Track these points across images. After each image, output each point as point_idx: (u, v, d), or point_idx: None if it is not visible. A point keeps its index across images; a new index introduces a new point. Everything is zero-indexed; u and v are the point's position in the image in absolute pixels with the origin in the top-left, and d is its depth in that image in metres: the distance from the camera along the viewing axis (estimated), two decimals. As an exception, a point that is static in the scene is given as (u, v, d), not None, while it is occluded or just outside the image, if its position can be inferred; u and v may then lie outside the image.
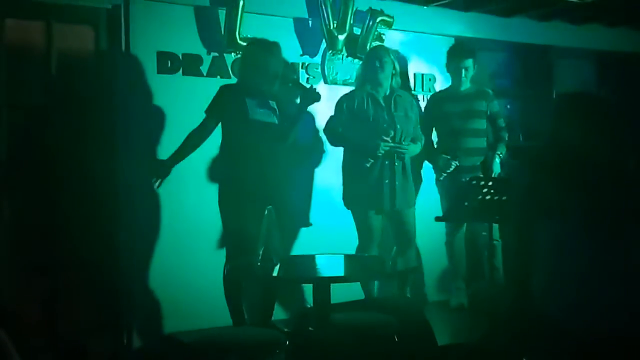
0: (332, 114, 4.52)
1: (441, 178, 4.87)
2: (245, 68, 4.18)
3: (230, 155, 4.07)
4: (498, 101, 5.08)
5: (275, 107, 4.14)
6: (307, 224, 4.85)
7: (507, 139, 5.02)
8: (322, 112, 4.78)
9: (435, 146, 4.99)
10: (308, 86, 4.32)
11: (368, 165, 4.31)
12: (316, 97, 4.15)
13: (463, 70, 4.84)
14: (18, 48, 4.12)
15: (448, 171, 4.79)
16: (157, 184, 4.07)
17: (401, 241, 4.51)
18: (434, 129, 5.00)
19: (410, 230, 4.53)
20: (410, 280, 4.61)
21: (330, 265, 3.61)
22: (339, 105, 4.50)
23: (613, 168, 2.44)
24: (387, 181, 4.35)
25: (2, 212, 4.05)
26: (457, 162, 4.79)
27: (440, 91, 5.11)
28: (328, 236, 4.75)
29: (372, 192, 4.36)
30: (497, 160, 4.90)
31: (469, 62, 4.84)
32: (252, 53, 4.17)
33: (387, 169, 4.35)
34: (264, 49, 4.12)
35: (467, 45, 4.96)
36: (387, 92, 4.46)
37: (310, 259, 3.70)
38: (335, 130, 4.45)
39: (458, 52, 4.90)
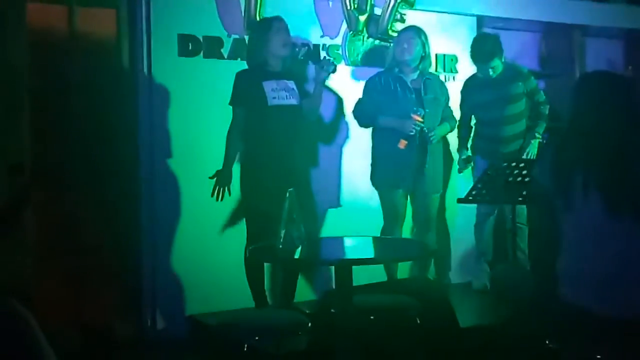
0: (360, 96, 4.48)
1: (460, 173, 4.90)
2: (252, 50, 4.13)
3: (251, 140, 4.05)
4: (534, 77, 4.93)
5: (294, 86, 4.09)
6: (337, 204, 4.85)
7: (547, 112, 4.87)
8: (344, 92, 4.78)
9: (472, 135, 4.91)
10: (322, 57, 4.25)
11: (402, 147, 4.20)
12: (331, 68, 4.08)
13: (491, 70, 4.67)
14: (40, 32, 4.13)
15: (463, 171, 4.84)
16: (227, 192, 4.02)
17: (421, 224, 4.49)
18: (472, 116, 4.90)
19: (432, 215, 4.50)
20: (430, 263, 4.58)
21: (352, 247, 3.61)
22: (367, 86, 4.45)
23: (636, 149, 2.40)
24: (415, 163, 4.31)
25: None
26: (471, 164, 4.83)
27: (473, 76, 4.92)
28: (356, 218, 4.76)
29: (399, 173, 4.32)
30: (535, 142, 4.78)
31: (496, 62, 4.65)
32: (255, 34, 4.12)
33: (416, 151, 4.31)
34: (265, 27, 4.05)
35: (489, 44, 4.67)
36: (416, 75, 4.39)
37: (333, 240, 3.70)
38: (366, 110, 4.39)
39: (482, 55, 4.66)
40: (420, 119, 4.21)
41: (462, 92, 4.92)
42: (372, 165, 4.47)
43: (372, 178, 4.47)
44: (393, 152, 4.24)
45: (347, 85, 4.83)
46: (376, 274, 4.20)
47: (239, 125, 4.03)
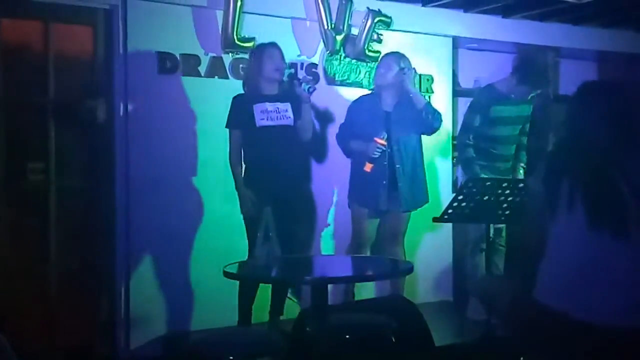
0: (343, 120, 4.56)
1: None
2: (247, 75, 4.26)
3: (245, 161, 4.16)
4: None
5: (288, 108, 4.16)
6: (325, 223, 4.88)
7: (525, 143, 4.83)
8: (324, 112, 4.83)
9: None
10: (302, 77, 4.28)
11: (368, 170, 4.26)
12: (308, 87, 4.12)
13: (532, 96, 4.64)
14: (15, 48, 4.11)
15: None
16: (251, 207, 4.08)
17: (386, 238, 4.51)
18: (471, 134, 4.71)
19: (401, 229, 4.51)
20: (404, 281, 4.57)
21: (328, 265, 3.61)
22: (347, 110, 4.54)
23: (624, 162, 2.39)
24: (384, 182, 4.34)
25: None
26: None
27: (489, 89, 4.71)
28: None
29: (369, 195, 4.37)
30: (521, 170, 4.77)
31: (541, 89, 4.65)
32: (252, 59, 4.23)
33: (385, 171, 4.34)
34: (260, 52, 4.17)
35: (548, 72, 4.65)
36: (391, 99, 4.42)
37: (310, 259, 3.71)
38: (344, 135, 4.49)
39: (541, 82, 4.60)
40: (383, 142, 4.25)
41: (473, 104, 4.73)
42: (349, 184, 4.53)
43: (348, 198, 4.54)
44: (363, 174, 4.30)
45: (325, 104, 4.86)
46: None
47: (236, 147, 4.14)
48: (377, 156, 4.26)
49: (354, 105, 4.55)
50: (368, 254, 4.46)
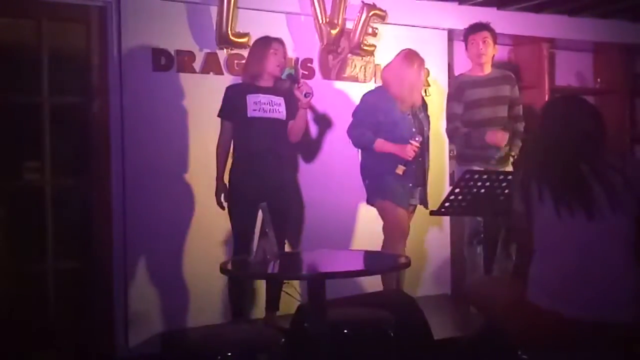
0: (355, 115, 4.40)
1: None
2: (248, 63, 4.19)
3: (235, 152, 4.11)
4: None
5: (282, 102, 4.12)
6: (324, 218, 4.83)
7: (522, 130, 4.79)
8: (320, 107, 4.82)
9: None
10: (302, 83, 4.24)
11: (401, 173, 4.21)
12: (307, 95, 4.09)
13: (481, 43, 4.63)
14: (9, 46, 4.10)
15: None
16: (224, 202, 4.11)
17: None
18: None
19: (409, 226, 4.50)
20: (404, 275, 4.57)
21: (325, 260, 3.60)
22: (363, 103, 4.40)
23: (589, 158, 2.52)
24: (410, 184, 4.32)
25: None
26: None
27: (463, 75, 4.83)
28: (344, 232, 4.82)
29: (399, 194, 4.30)
30: (510, 160, 4.70)
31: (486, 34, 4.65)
32: (254, 50, 4.18)
33: (413, 172, 4.30)
34: (265, 45, 4.13)
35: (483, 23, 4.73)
36: None
37: (307, 254, 3.69)
38: (363, 132, 4.31)
39: (474, 27, 4.70)
40: (418, 145, 4.19)
41: (451, 91, 4.78)
42: (368, 184, 4.42)
43: (372, 196, 4.39)
44: (393, 176, 4.23)
45: (321, 99, 4.84)
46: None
47: (225, 137, 4.10)
48: (411, 159, 4.21)
49: (371, 97, 4.38)
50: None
